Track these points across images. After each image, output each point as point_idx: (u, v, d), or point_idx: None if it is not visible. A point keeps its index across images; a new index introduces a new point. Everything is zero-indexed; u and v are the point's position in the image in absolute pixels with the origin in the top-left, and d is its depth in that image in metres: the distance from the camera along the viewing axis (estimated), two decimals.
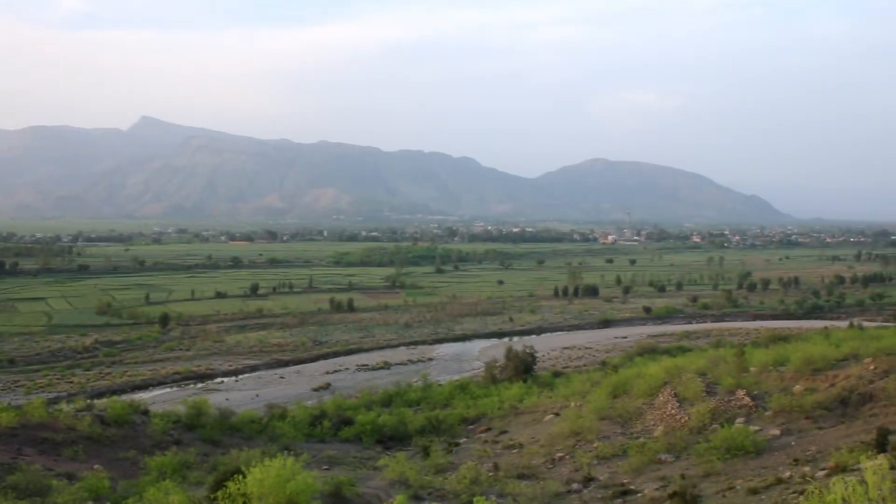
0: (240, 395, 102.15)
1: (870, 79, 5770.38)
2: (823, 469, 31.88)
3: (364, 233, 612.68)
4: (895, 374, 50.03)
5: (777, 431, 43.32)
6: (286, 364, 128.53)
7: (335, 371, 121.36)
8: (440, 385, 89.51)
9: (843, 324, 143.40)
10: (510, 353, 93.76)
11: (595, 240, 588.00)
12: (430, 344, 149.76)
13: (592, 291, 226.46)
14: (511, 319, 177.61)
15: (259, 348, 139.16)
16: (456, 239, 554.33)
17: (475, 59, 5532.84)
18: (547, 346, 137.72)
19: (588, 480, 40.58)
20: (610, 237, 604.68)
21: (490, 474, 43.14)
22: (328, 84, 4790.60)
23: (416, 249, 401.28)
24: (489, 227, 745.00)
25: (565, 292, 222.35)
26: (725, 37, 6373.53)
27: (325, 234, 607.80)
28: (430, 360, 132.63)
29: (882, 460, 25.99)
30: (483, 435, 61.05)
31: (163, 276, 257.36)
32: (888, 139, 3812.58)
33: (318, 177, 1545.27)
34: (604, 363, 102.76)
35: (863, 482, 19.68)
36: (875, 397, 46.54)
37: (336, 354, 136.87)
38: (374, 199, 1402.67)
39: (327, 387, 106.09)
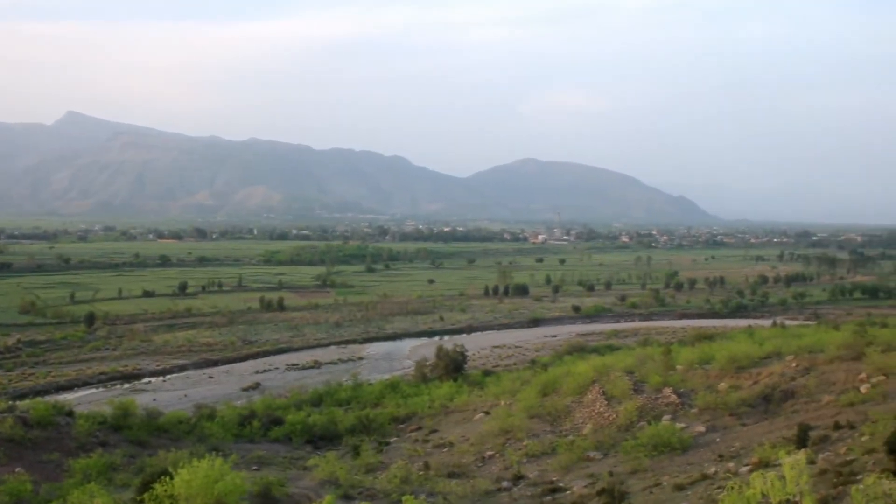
0: (168, 395, 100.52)
1: (794, 80, 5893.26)
2: (747, 465, 32.52)
3: (295, 231, 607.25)
4: (816, 372, 51.33)
5: (702, 428, 44.10)
6: (215, 363, 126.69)
7: (265, 370, 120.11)
8: (371, 384, 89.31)
9: (767, 323, 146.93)
10: (441, 352, 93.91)
11: (525, 239, 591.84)
12: (361, 343, 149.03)
13: (522, 290, 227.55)
14: (442, 318, 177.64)
15: (187, 348, 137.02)
16: (387, 238, 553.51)
17: (407, 58, 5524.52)
18: (477, 345, 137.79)
19: (518, 478, 40.83)
20: (540, 237, 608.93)
21: (420, 473, 43.16)
22: (259, 81, 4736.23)
23: (347, 248, 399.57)
24: (420, 226, 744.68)
25: (496, 291, 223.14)
26: (654, 38, 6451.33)
27: (256, 232, 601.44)
28: (361, 359, 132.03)
29: (801, 455, 26.63)
30: (414, 434, 61.08)
31: (89, 275, 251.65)
32: (811, 140, 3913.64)
33: (248, 174, 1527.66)
34: (533, 362, 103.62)
35: (781, 477, 20.15)
36: (796, 394, 47.69)
37: (266, 354, 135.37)
38: (305, 198, 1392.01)
39: (257, 386, 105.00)
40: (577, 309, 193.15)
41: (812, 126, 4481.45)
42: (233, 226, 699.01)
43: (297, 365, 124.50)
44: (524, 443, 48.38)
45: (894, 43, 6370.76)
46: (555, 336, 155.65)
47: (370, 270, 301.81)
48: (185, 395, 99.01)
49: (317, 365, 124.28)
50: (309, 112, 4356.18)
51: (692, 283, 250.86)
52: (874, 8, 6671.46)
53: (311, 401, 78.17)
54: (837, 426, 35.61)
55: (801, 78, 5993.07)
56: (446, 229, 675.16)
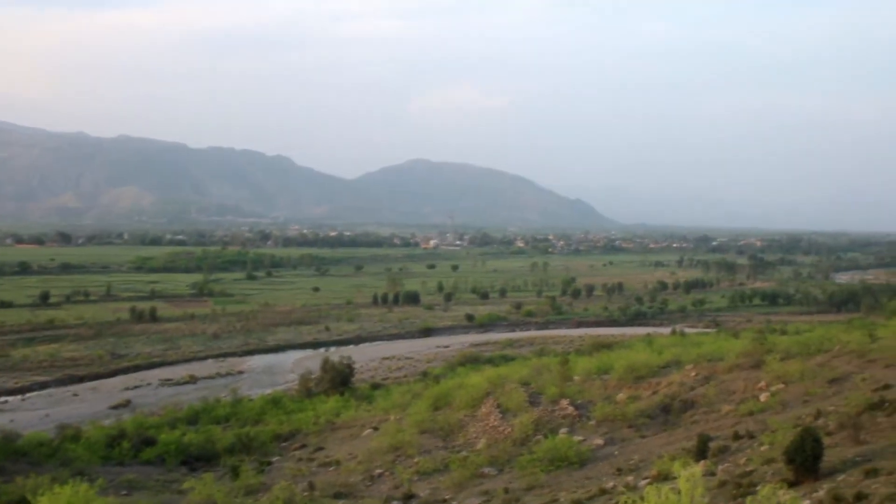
0: (27, 415, 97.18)
1: (693, 81, 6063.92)
2: (646, 478, 33.04)
3: (169, 236, 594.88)
4: (715, 381, 52.69)
5: (601, 441, 44.72)
6: (81, 380, 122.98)
7: (136, 386, 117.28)
8: (251, 400, 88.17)
9: (666, 330, 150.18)
10: (326, 365, 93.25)
11: (416, 244, 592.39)
12: (241, 356, 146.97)
13: (413, 298, 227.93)
14: (327, 329, 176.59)
15: (50, 363, 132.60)
16: (269, 243, 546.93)
17: (290, 52, 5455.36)
18: (365, 357, 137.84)
19: (408, 497, 40.68)
20: (432, 242, 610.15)
21: (305, 494, 42.63)
22: (130, 74, 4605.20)
23: (226, 254, 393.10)
24: (305, 231, 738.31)
25: (385, 300, 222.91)
26: (550, 35, 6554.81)
27: (126, 236, 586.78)
28: (241, 372, 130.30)
29: (697, 468, 27.15)
30: (297, 452, 60.46)
31: None
32: (710, 143, 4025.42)
33: (118, 174, 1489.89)
34: (425, 374, 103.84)
35: (676, 490, 20.52)
36: (696, 404, 48.86)
37: (137, 368, 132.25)
38: (180, 200, 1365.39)
39: (127, 404, 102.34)
40: (470, 317, 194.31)
41: (711, 128, 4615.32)
42: (101, 230, 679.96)
43: (172, 380, 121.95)
44: (415, 459, 48.29)
45: (792, 44, 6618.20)
46: (447, 346, 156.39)
47: (251, 278, 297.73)
48: (47, 415, 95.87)
49: (193, 380, 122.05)
50: (185, 108, 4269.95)
51: (590, 289, 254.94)
52: (771, 9, 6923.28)
53: (186, 419, 76.76)
54: (737, 436, 36.56)
55: (701, 78, 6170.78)
56: (333, 234, 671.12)
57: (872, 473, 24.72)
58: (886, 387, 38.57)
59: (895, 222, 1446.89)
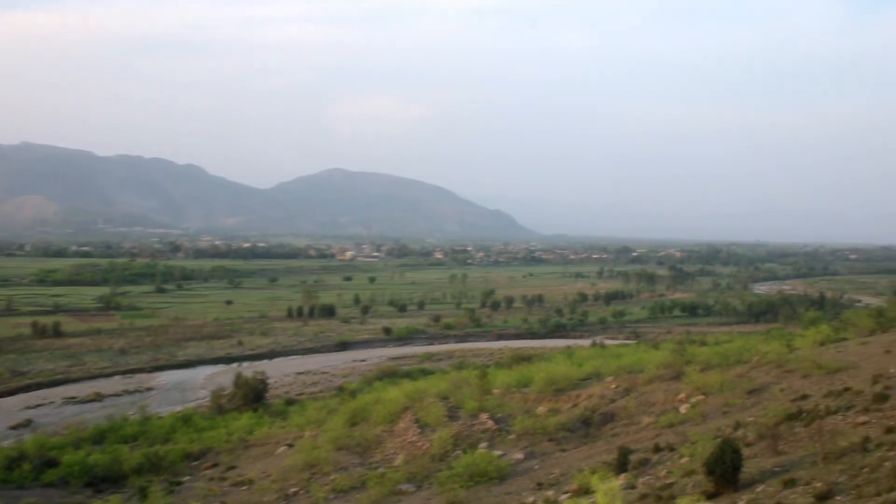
0: None
1: (613, 92, 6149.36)
2: (567, 492, 33.28)
3: (74, 247, 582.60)
4: (636, 393, 53.39)
5: (521, 455, 44.93)
6: None
7: (37, 405, 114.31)
8: (160, 418, 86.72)
9: (586, 342, 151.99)
10: (239, 380, 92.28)
11: (332, 256, 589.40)
12: (150, 372, 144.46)
13: (329, 312, 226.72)
14: (240, 343, 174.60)
15: None
16: (179, 255, 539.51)
17: (202, 57, 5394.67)
18: (280, 372, 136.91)
19: None
20: (348, 253, 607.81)
21: None
22: (32, 78, 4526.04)
23: (134, 266, 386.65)
24: (217, 242, 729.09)
25: (300, 313, 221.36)
26: (470, 44, 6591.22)
27: (28, 248, 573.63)
28: (150, 389, 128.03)
29: (618, 481, 27.47)
30: (209, 471, 59.69)
31: None
32: (629, 154, 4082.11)
33: (20, 183, 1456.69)
34: (341, 389, 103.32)
35: None
36: (616, 416, 49.45)
37: (39, 386, 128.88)
38: (86, 210, 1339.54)
39: (28, 424, 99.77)
40: (388, 331, 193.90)
41: (631, 138, 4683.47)
42: (1, 241, 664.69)
43: (76, 398, 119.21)
44: (331, 477, 47.97)
45: (712, 55, 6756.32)
46: (364, 360, 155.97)
47: (160, 291, 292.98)
48: None
49: (99, 397, 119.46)
50: (91, 114, 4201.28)
51: (509, 301, 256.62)
52: (693, 19, 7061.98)
53: (91, 438, 75.13)
54: (657, 448, 37.06)
55: (620, 88, 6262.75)
56: (246, 245, 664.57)
57: (791, 484, 25.23)
58: (804, 397, 39.50)
59: (812, 233, 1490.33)
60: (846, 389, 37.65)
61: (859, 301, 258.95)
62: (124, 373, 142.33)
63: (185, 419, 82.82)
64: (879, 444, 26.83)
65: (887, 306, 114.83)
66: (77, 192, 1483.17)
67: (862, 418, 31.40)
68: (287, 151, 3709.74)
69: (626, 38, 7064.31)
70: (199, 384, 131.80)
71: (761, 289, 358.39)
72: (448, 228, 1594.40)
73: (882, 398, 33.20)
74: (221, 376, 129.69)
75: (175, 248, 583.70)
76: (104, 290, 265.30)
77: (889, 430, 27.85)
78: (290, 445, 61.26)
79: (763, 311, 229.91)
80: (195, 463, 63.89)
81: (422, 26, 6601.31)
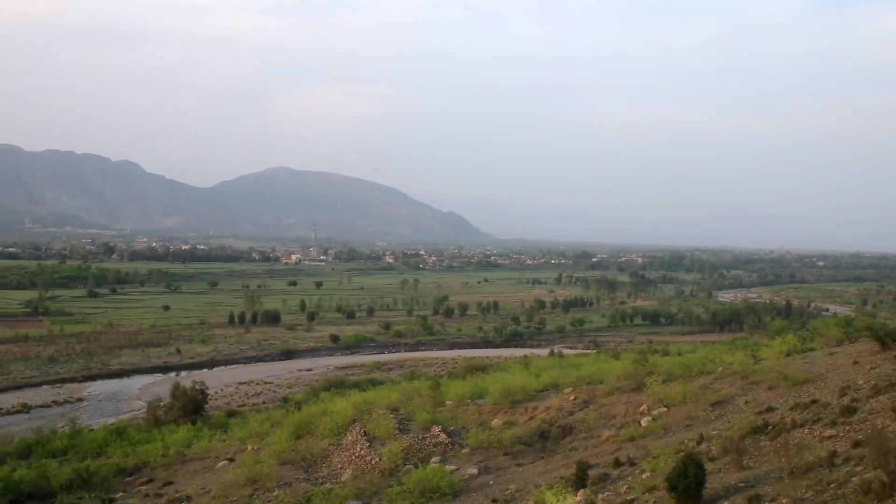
0: None
1: (574, 92, 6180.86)
2: None
3: None
4: (595, 405, 53.65)
5: (475, 470, 44.95)
6: None
7: None
8: (92, 430, 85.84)
9: (544, 352, 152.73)
10: (177, 391, 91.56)
11: (277, 259, 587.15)
12: (81, 381, 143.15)
13: (273, 318, 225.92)
14: (179, 351, 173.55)
15: None
16: (114, 257, 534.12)
17: (138, 47, 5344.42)
18: (221, 382, 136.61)
19: None
20: (294, 256, 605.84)
21: None
22: None
23: (65, 269, 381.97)
24: (154, 244, 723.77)
25: (242, 319, 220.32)
26: (425, 37, 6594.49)
27: None
28: (81, 400, 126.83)
29: (575, 498, 27.62)
30: (144, 487, 59.18)
31: None
32: (591, 156, 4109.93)
33: None
34: (285, 400, 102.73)
35: None
36: (575, 429, 49.66)
37: None
38: (11, 209, 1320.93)
39: None
40: (335, 339, 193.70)
41: (593, 140, 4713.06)
42: None
43: (1, 409, 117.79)
44: (274, 493, 47.69)
45: (679, 58, 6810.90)
46: (310, 370, 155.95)
47: (93, 295, 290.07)
48: None
49: (25, 409, 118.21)
50: (18, 106, 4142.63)
51: (464, 308, 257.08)
52: (658, 18, 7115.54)
53: (17, 452, 74.22)
54: (618, 463, 37.25)
55: (582, 88, 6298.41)
56: (185, 247, 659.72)
57: (756, 500, 25.48)
58: (770, 409, 39.92)
59: (778, 238, 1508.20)
60: (813, 402, 38.10)
61: (827, 310, 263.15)
62: (53, 382, 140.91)
63: (119, 432, 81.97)
64: (847, 458, 27.18)
65: (855, 316, 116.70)
66: (2, 190, 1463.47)
67: (829, 432, 31.79)
68: (229, 148, 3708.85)
69: (585, 35, 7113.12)
70: (134, 395, 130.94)
71: (726, 296, 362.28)
72: (400, 231, 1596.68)
73: (850, 411, 33.64)
74: (158, 386, 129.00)
75: (109, 250, 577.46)
76: (32, 295, 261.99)
77: (857, 444, 28.22)
78: (231, 460, 60.89)
79: (728, 320, 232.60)
80: (129, 479, 63.29)
81: (375, 18, 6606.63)
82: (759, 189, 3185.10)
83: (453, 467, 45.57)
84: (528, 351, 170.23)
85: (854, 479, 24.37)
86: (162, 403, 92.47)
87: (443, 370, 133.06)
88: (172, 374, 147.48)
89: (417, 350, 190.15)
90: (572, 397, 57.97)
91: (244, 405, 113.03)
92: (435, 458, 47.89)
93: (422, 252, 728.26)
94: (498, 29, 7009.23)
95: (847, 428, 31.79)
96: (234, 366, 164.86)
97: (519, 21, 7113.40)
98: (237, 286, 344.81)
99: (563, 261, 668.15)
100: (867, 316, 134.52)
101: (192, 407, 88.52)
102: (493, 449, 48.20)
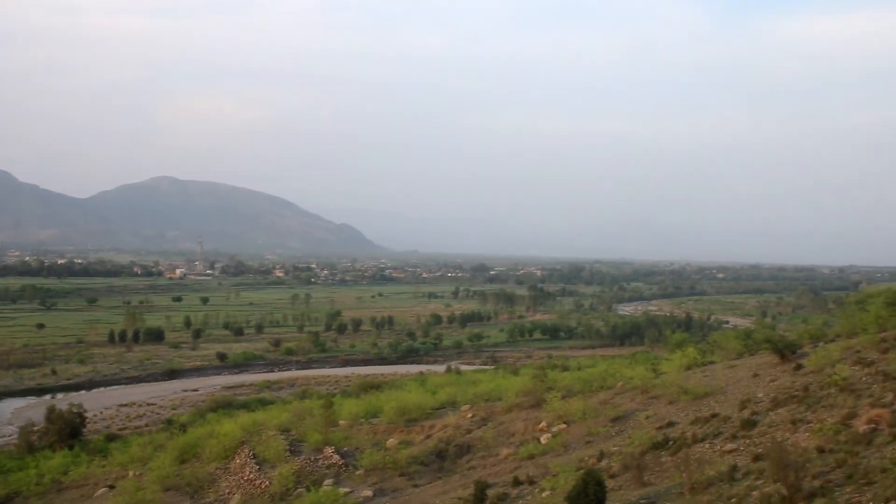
0: None
1: (473, 100, 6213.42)
2: None
3: None
4: (494, 422, 53.99)
5: (370, 492, 44.89)
6: None
7: None
8: None
9: (441, 368, 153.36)
10: (52, 414, 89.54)
11: (160, 274, 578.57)
12: None
13: (157, 336, 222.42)
14: (54, 372, 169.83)
15: None
16: None
17: (10, 47, 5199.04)
18: (100, 404, 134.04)
19: None
20: (178, 271, 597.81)
21: None
22: None
23: None
24: (27, 258, 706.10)
25: (123, 337, 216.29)
26: (316, 42, 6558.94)
27: None
28: None
29: None
30: None
31: None
32: (490, 167, 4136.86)
33: None
34: (170, 422, 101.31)
35: None
36: (473, 448, 49.90)
37: None
38: None
39: None
40: (222, 357, 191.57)
41: (491, 150, 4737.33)
42: None
43: None
44: None
45: (583, 66, 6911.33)
46: (196, 390, 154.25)
47: None
48: None
49: None
50: None
51: (357, 324, 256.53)
52: (560, 26, 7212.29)
53: None
54: (517, 482, 37.52)
55: (481, 97, 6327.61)
56: (61, 261, 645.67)
57: None
58: (670, 424, 40.65)
59: (679, 250, 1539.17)
60: (713, 415, 38.91)
61: (727, 322, 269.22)
62: None
63: None
64: (747, 472, 27.83)
65: (755, 328, 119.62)
66: None
67: (729, 446, 32.51)
68: (110, 157, 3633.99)
69: (484, 43, 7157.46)
70: (5, 419, 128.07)
71: (626, 309, 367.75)
72: (290, 244, 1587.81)
73: (750, 424, 34.44)
74: (32, 410, 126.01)
75: None
76: None
77: (757, 458, 28.90)
78: (112, 487, 59.74)
79: (628, 334, 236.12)
80: None
81: (265, 21, 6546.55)
82: (663, 200, 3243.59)
83: (347, 490, 45.39)
84: (424, 367, 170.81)
85: (754, 492, 24.97)
86: (36, 428, 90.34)
87: (336, 388, 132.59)
88: (48, 397, 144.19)
89: (309, 368, 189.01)
90: (470, 415, 58.27)
91: (125, 428, 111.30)
92: (328, 481, 47.65)
93: (313, 265, 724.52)
94: (396, 37, 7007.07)
95: (747, 441, 32.56)
96: (115, 387, 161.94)
97: (416, 29, 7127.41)
98: (118, 302, 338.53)
99: (460, 274, 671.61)
100: (767, 328, 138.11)
101: (68, 431, 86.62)
102: (389, 470, 48.16)
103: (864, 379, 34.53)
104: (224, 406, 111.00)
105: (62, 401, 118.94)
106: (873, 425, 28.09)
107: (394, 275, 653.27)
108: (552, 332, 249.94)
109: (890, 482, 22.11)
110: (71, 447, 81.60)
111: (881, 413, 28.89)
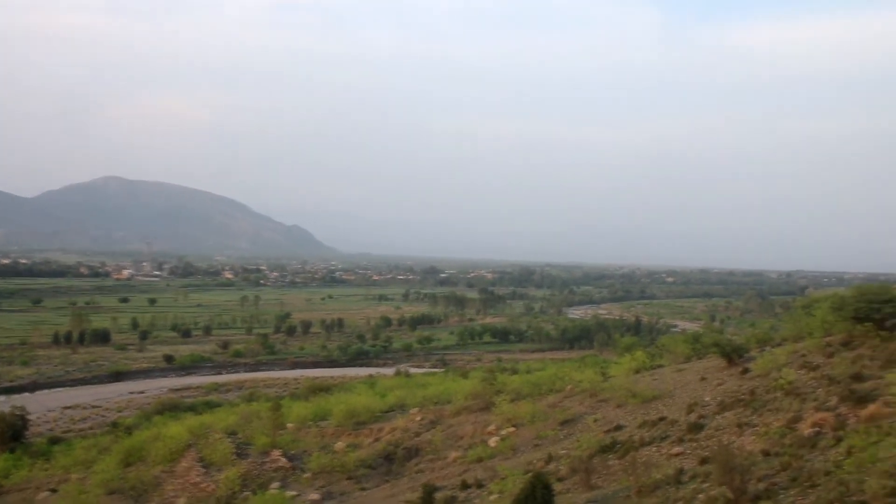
0: None
1: (425, 103, 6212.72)
2: None
3: None
4: (442, 425, 54.04)
5: (317, 496, 44.74)
6: None
7: None
8: None
9: (390, 371, 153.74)
10: None
11: (107, 274, 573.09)
12: None
13: (103, 338, 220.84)
14: None
15: None
16: None
17: None
18: (43, 406, 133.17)
19: None
20: (125, 272, 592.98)
21: None
22: None
23: None
24: None
25: (68, 339, 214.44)
26: (268, 42, 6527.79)
27: None
28: None
29: None
30: None
31: None
32: (441, 169, 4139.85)
33: None
34: (115, 425, 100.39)
35: None
36: (421, 451, 49.92)
37: None
38: None
39: None
40: (169, 359, 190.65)
41: (443, 152, 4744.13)
42: None
43: None
44: None
45: (537, 68, 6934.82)
46: (142, 392, 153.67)
47: None
48: None
49: None
50: None
51: (307, 326, 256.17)
52: (515, 28, 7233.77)
53: None
54: (465, 485, 37.56)
55: (433, 100, 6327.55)
56: (5, 261, 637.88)
57: None
58: (618, 427, 40.86)
59: (629, 254, 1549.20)
60: (661, 419, 39.15)
61: (676, 326, 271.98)
62: None
63: None
64: (694, 475, 28.02)
65: (703, 332, 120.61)
66: None
67: (676, 449, 32.72)
68: (56, 156, 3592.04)
69: (439, 44, 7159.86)
70: None
71: (576, 313, 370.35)
72: (240, 245, 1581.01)
73: (697, 427, 34.69)
74: None
75: None
76: None
77: (703, 461, 29.10)
78: (54, 490, 59.04)
79: (577, 337, 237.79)
80: None
81: (216, 20, 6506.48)
82: (613, 205, 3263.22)
83: (294, 493, 45.22)
84: (373, 370, 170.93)
85: (700, 495, 25.13)
86: None
87: (284, 391, 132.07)
88: None
89: (258, 370, 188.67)
90: (419, 418, 58.24)
91: (69, 431, 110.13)
92: (275, 484, 47.46)
93: (263, 267, 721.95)
94: (349, 37, 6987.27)
95: (694, 445, 32.78)
96: (59, 389, 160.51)
97: (370, 29, 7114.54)
98: (63, 303, 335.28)
99: (410, 276, 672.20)
100: (715, 332, 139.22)
101: (10, 434, 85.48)
102: (337, 473, 48.01)
103: (809, 383, 34.85)
104: (171, 408, 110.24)
105: (4, 403, 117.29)
106: (818, 429, 28.37)
107: (344, 277, 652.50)
108: (502, 336, 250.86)
109: (833, 485, 22.35)
110: (12, 450, 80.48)
111: (825, 416, 29.20)
